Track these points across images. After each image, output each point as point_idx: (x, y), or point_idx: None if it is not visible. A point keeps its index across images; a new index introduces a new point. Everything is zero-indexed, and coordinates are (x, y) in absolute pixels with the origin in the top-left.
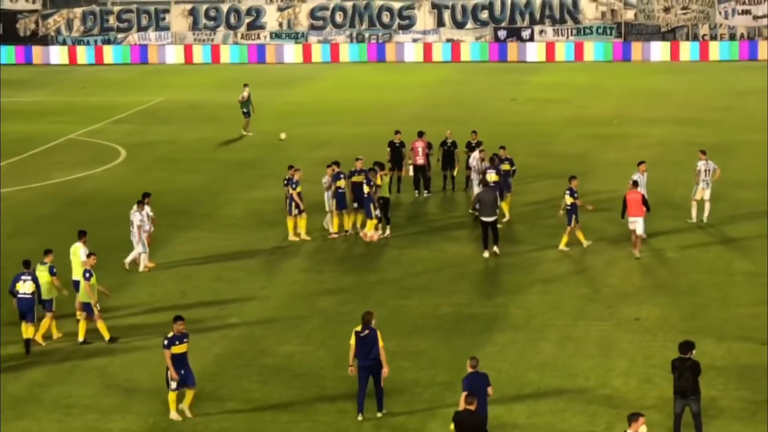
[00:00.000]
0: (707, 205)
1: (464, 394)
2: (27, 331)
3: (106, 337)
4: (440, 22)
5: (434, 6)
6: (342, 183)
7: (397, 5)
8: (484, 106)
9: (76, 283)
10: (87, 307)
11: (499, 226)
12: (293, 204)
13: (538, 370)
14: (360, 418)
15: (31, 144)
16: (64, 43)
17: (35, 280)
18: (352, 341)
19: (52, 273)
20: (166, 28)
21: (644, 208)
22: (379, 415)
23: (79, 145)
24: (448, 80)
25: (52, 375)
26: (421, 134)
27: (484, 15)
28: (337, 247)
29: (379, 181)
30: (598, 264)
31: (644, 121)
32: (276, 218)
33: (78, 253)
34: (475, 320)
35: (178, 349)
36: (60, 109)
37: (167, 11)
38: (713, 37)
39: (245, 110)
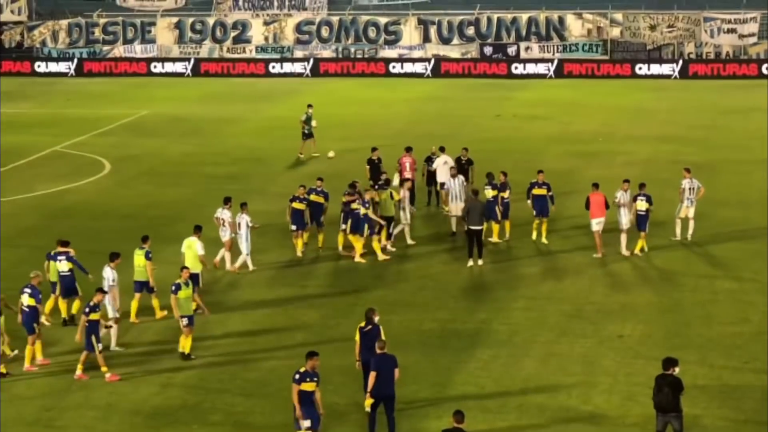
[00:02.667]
0: (691, 223)
1: (373, 374)
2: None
3: (186, 350)
4: (426, 38)
5: (420, 22)
6: (298, 205)
7: (383, 20)
8: (468, 122)
9: (194, 278)
10: (191, 320)
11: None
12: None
13: (521, 386)
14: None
15: (15, 156)
16: (49, 55)
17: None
18: (357, 338)
19: (147, 258)
20: (152, 41)
21: (606, 209)
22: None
23: (63, 157)
24: (432, 96)
25: (34, 387)
26: (408, 150)
27: (471, 31)
28: (320, 262)
29: (377, 198)
30: (581, 281)
31: (629, 139)
32: (259, 232)
33: (194, 246)
34: (459, 336)
35: (307, 386)
36: (44, 121)
37: (153, 24)
38: (698, 56)
39: (306, 131)
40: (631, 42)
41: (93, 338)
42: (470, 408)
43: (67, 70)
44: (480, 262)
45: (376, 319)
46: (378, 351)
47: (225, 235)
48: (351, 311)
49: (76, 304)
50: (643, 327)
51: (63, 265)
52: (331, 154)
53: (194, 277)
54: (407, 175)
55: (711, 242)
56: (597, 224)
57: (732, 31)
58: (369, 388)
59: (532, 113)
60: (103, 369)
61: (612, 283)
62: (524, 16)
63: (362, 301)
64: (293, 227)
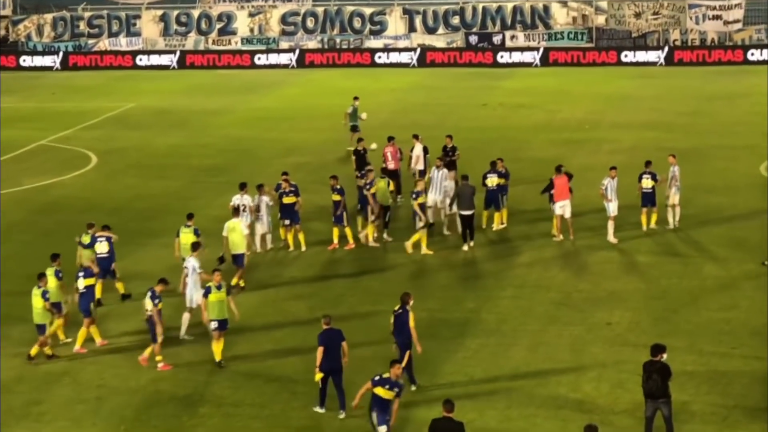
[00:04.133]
0: (677, 210)
1: (320, 349)
2: None
3: (218, 358)
4: (411, 28)
5: (405, 11)
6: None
7: (368, 11)
8: (454, 111)
9: (239, 258)
10: (222, 324)
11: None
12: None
13: (509, 375)
14: (413, 388)
15: (1, 150)
16: (34, 48)
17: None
18: (391, 320)
19: (196, 234)
20: (137, 34)
21: (570, 192)
22: (413, 388)
23: (49, 151)
24: (418, 85)
25: (23, 382)
26: (391, 139)
27: (456, 20)
28: (308, 254)
29: (373, 189)
30: (569, 269)
31: (615, 126)
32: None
33: (239, 228)
34: (447, 325)
35: (384, 393)
36: (30, 115)
37: (138, 17)
38: (684, 42)
39: (353, 123)
40: (617, 29)
41: (158, 327)
42: (459, 397)
43: (53, 64)
44: (471, 243)
45: (411, 303)
46: (324, 326)
47: (247, 220)
48: (339, 302)
49: (120, 286)
50: (631, 314)
51: (102, 247)
52: (373, 146)
53: (239, 258)
54: (390, 165)
55: (698, 228)
56: (560, 208)
57: (717, 17)
58: (318, 363)
59: (518, 102)
60: (158, 358)
61: (600, 271)
62: (509, 5)
63: (350, 292)
64: (286, 222)
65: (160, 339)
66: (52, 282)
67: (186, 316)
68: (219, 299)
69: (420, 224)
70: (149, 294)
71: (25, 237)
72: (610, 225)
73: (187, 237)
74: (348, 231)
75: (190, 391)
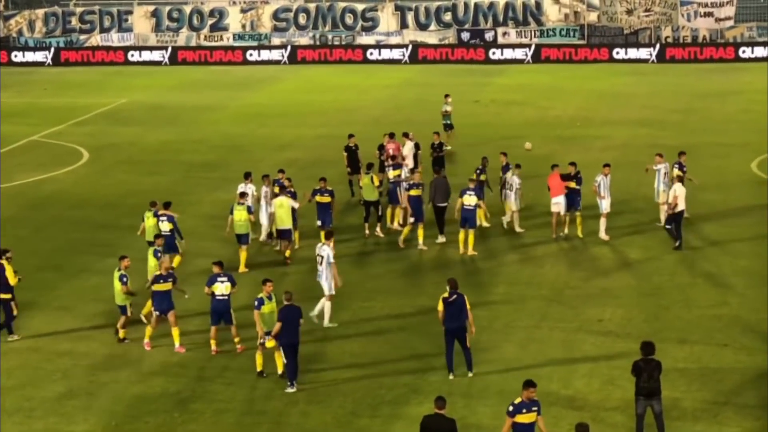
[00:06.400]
0: (666, 207)
1: (278, 324)
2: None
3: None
4: (403, 24)
5: (397, 8)
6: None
7: (360, 7)
8: None
9: (286, 233)
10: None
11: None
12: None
13: (501, 371)
14: (451, 377)
15: None
16: (25, 44)
17: (231, 280)
18: (440, 307)
19: (250, 211)
20: (129, 30)
21: (565, 188)
22: (470, 374)
23: (41, 146)
24: (411, 82)
25: (13, 378)
26: (391, 135)
27: (448, 17)
28: (299, 249)
29: (361, 183)
30: (560, 266)
31: (607, 123)
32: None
33: (286, 204)
34: (439, 322)
35: (524, 417)
36: (22, 110)
37: (130, 12)
38: (676, 39)
39: (448, 122)
40: (608, 26)
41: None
42: (451, 394)
43: (44, 60)
44: (443, 238)
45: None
46: (285, 302)
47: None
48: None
49: (176, 260)
50: (623, 311)
51: (165, 225)
52: (528, 145)
53: (286, 233)
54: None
55: (689, 225)
56: (555, 204)
57: (709, 14)
58: (274, 333)
59: (510, 98)
60: (236, 340)
61: (591, 268)
62: (501, 2)
63: (342, 288)
64: (318, 222)
65: (235, 322)
66: (117, 285)
67: (327, 305)
68: (272, 310)
69: (411, 219)
70: (225, 277)
71: (18, 232)
72: (603, 222)
73: (240, 214)
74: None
75: (181, 387)
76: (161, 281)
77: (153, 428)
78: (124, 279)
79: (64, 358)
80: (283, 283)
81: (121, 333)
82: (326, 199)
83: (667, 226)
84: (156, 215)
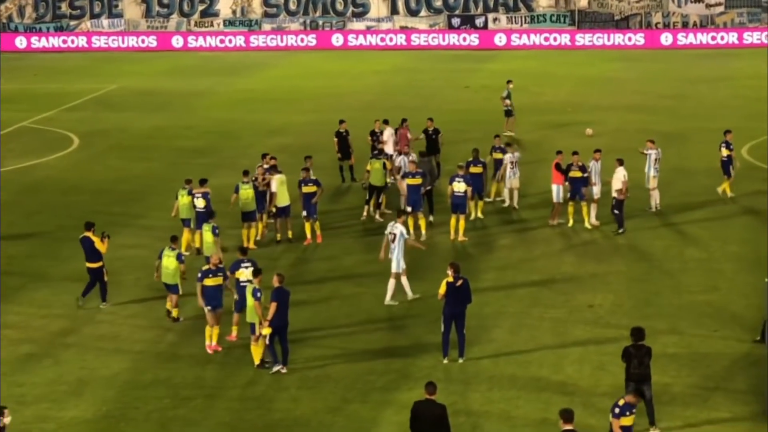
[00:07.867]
0: (656, 193)
1: (273, 304)
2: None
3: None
4: (394, 10)
5: None
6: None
7: None
8: (437, 93)
9: (285, 209)
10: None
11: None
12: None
13: (491, 357)
14: (445, 361)
15: None
16: (15, 30)
17: (255, 266)
18: (443, 290)
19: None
20: (119, 16)
21: (564, 180)
22: (461, 360)
23: (31, 132)
24: (401, 68)
25: (4, 363)
26: (404, 121)
27: (438, 2)
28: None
29: (368, 167)
30: (551, 251)
31: (598, 109)
32: (223, 210)
33: (286, 181)
34: (429, 308)
35: (630, 420)
36: (12, 96)
37: None
38: (666, 25)
39: (508, 108)
40: (599, 12)
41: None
42: (442, 379)
43: (35, 45)
44: (431, 218)
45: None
46: (276, 284)
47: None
48: (321, 284)
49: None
50: (613, 297)
51: (200, 202)
52: (589, 131)
53: (287, 210)
54: (405, 148)
55: (680, 211)
56: (554, 192)
57: (699, 0)
58: (269, 318)
59: (501, 84)
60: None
61: (582, 253)
62: None
63: (331, 275)
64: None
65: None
66: (172, 264)
67: (392, 282)
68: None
69: (409, 209)
70: (249, 263)
71: (9, 218)
72: (593, 208)
73: (247, 192)
74: (317, 226)
75: (171, 372)
76: (210, 276)
77: (144, 414)
78: (182, 257)
79: (56, 344)
80: (275, 267)
81: (174, 312)
82: (311, 188)
83: (615, 211)
84: (190, 193)
